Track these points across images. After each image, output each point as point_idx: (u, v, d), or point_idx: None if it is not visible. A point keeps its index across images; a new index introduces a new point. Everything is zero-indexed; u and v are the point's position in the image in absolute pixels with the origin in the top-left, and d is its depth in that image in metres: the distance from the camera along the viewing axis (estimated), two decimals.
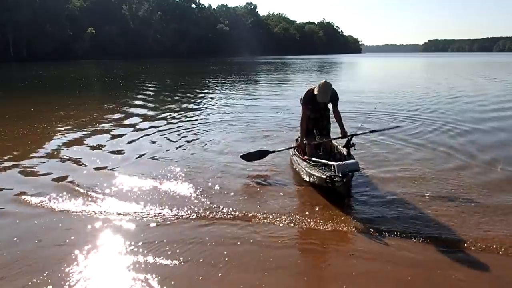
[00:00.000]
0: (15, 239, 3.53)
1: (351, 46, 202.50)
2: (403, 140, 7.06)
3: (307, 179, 4.63)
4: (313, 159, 4.76)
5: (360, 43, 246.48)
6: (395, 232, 3.55)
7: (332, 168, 4.06)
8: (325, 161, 4.50)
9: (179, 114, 10.45)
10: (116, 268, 3.09)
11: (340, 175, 3.91)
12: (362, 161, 5.65)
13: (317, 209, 4.11)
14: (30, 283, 2.87)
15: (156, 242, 3.44)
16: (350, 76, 29.68)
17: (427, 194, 4.44)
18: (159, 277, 2.92)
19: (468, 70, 35.46)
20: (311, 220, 3.84)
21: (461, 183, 4.83)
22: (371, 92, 15.62)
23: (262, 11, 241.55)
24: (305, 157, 4.94)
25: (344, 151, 4.95)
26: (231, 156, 6.09)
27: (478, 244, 3.33)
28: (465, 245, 3.33)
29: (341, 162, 4.10)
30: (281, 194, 4.56)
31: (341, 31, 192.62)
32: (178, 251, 3.29)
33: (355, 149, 5.04)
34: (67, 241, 3.49)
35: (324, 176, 4.02)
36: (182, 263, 3.11)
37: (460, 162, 5.73)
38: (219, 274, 2.97)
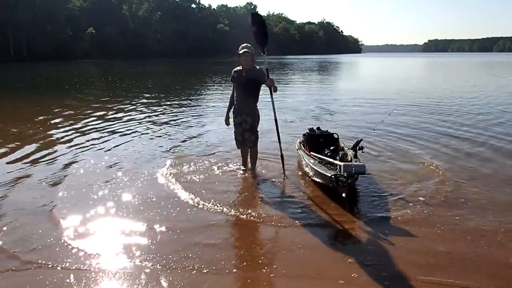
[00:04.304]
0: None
1: (351, 46, 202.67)
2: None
3: (311, 174, 4.57)
4: (319, 156, 4.65)
5: (360, 43, 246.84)
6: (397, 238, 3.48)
7: (338, 167, 3.95)
8: (331, 160, 4.38)
9: (176, 114, 10.39)
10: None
11: (346, 175, 3.78)
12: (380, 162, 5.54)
13: (319, 210, 4.05)
14: None
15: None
16: (350, 76, 29.52)
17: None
18: None
19: (495, 70, 34.27)
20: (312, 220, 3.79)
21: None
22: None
23: (262, 11, 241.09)
24: (311, 153, 4.84)
25: (351, 152, 4.69)
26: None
27: None
28: None
29: (347, 163, 3.98)
30: (279, 190, 4.52)
31: (341, 31, 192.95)
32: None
33: (362, 152, 4.79)
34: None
35: (329, 175, 3.88)
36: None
37: None
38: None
